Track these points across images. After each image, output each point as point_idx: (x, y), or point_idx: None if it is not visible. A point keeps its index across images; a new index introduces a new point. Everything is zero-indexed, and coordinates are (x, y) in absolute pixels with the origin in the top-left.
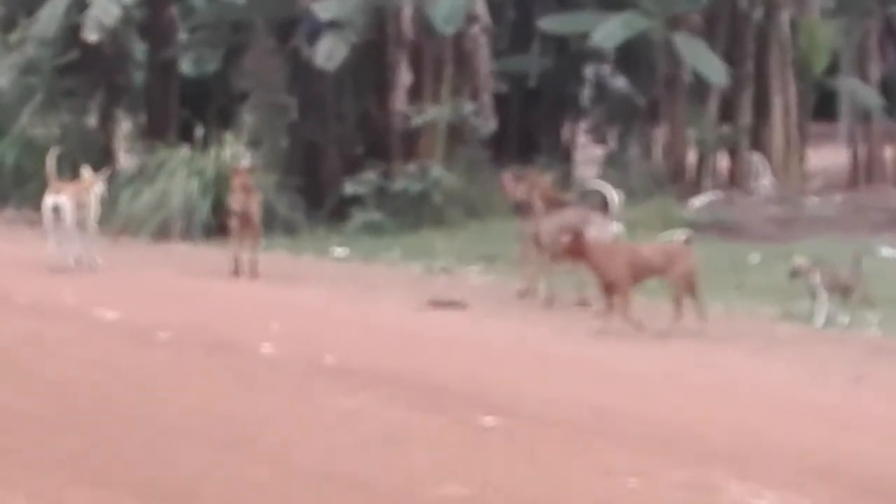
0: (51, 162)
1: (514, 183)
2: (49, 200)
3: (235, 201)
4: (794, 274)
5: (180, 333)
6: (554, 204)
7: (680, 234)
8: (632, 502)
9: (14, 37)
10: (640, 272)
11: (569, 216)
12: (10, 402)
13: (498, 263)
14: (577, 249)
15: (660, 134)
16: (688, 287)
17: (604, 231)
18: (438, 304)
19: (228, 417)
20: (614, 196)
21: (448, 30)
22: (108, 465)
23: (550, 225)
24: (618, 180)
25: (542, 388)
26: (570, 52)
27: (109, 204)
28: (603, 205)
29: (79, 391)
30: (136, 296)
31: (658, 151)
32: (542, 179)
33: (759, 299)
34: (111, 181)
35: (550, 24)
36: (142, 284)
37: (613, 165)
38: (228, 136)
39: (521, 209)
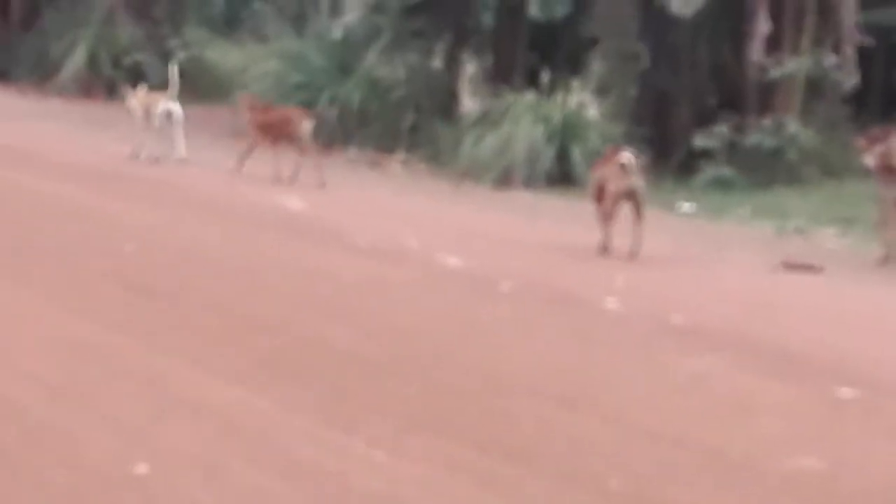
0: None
1: (869, 144)
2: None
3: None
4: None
5: (523, 284)
6: None
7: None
8: None
9: None
10: (269, 131)
11: None
12: (352, 345)
13: (856, 227)
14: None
15: None
16: (303, 147)
17: None
18: (792, 266)
19: (571, 374)
20: None
21: None
22: (446, 416)
23: None
24: None
25: None
26: None
27: (452, 148)
28: None
29: (422, 339)
30: (487, 243)
31: None
32: (884, 141)
33: None
34: (456, 125)
35: None
36: (484, 231)
37: None
38: (576, 83)
39: (880, 171)
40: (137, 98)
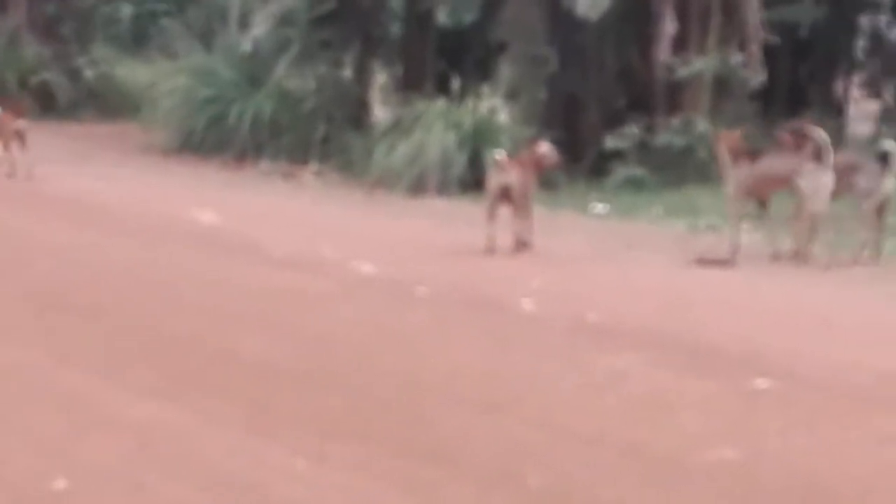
0: None
1: (796, 140)
2: None
3: None
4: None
5: (439, 289)
6: (745, 154)
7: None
8: None
9: None
10: None
11: (769, 164)
12: (271, 356)
13: (766, 221)
14: None
15: None
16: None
17: (818, 181)
18: (705, 262)
19: (491, 377)
20: (827, 142)
21: None
22: (369, 423)
23: (744, 174)
24: (894, 136)
25: (820, 350)
26: (845, 2)
27: (365, 157)
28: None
29: (339, 347)
30: (402, 249)
31: None
32: (730, 134)
33: None
34: (367, 134)
35: None
36: (399, 238)
37: (889, 120)
38: (486, 89)
39: None
40: None
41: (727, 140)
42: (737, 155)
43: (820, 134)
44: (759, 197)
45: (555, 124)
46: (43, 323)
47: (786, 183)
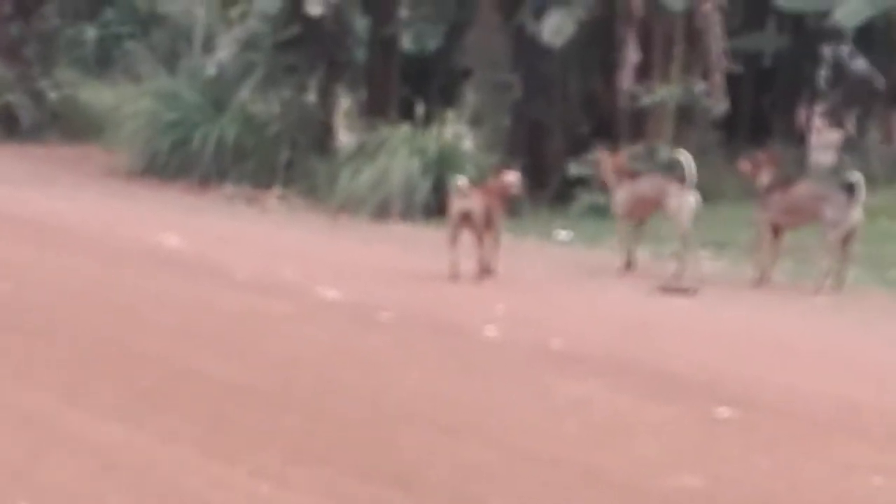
0: None
1: (755, 168)
2: None
3: None
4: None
5: (402, 314)
6: (627, 175)
7: None
8: (876, 502)
9: (235, 11)
10: None
11: (644, 185)
12: (233, 377)
13: (729, 250)
14: None
15: None
16: None
17: (682, 200)
18: (668, 290)
19: (453, 401)
20: (692, 165)
21: (678, 6)
22: (330, 445)
23: (625, 194)
24: (856, 166)
25: (780, 378)
26: (808, 32)
27: (329, 182)
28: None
29: (302, 370)
30: (365, 274)
31: None
32: (616, 155)
33: None
34: (332, 159)
35: (788, 0)
36: (362, 263)
37: (851, 150)
38: (450, 115)
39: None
40: None
41: (613, 161)
42: (621, 176)
43: (686, 158)
44: (638, 217)
45: (519, 151)
46: (2, 343)
47: (657, 204)
